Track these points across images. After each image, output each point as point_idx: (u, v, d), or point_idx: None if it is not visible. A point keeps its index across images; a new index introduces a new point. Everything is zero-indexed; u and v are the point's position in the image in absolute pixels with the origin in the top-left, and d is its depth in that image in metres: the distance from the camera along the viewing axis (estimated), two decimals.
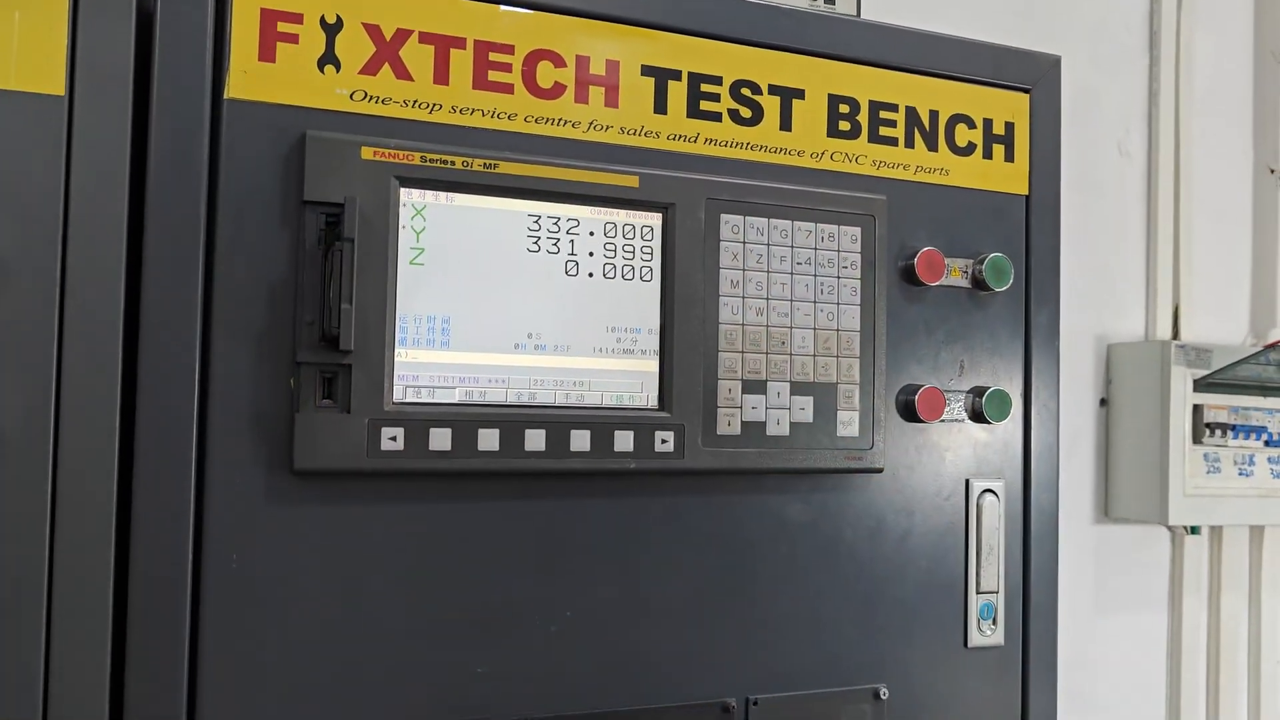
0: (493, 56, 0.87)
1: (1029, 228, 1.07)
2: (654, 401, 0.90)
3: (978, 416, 1.03)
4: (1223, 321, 1.76)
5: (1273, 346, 1.60)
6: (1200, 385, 1.60)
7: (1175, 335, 1.70)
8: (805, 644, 0.96)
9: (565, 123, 0.89)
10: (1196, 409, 1.61)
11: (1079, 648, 1.62)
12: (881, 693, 0.98)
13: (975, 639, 1.02)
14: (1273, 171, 1.82)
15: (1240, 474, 1.63)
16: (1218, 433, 1.61)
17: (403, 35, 0.84)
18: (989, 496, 1.04)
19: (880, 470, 0.98)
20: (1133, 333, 1.70)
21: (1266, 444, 1.66)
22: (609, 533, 0.89)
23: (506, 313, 0.85)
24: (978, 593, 1.03)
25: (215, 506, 0.78)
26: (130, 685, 0.75)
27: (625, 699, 0.89)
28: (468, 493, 0.84)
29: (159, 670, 0.75)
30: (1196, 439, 1.61)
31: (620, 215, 0.89)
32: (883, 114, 1.01)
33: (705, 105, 0.94)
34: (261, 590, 0.78)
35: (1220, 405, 1.62)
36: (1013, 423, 1.05)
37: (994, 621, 1.03)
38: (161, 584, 0.76)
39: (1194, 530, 1.69)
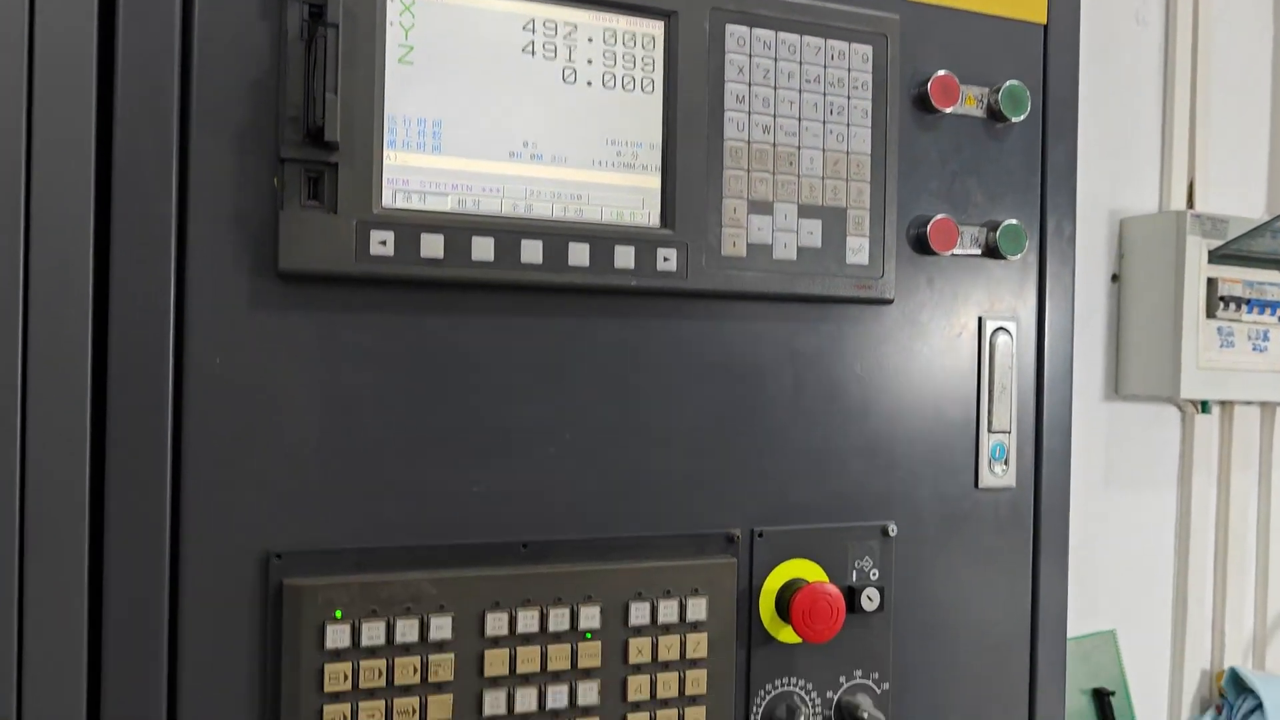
0: None
1: (1046, 58, 1.03)
2: (656, 219, 0.86)
3: (991, 252, 0.99)
4: (1239, 196, 1.72)
5: None
6: (1215, 257, 1.56)
7: (1190, 209, 1.66)
8: (812, 478, 0.93)
9: None
10: (1211, 282, 1.57)
11: (1088, 525, 1.60)
12: (890, 530, 0.95)
13: (986, 480, 1.00)
14: None
15: (1254, 349, 1.60)
16: (1231, 306, 1.58)
17: None
18: (1002, 335, 1.01)
19: (890, 301, 0.94)
20: (1146, 207, 1.66)
21: None
22: (610, 354, 0.86)
23: (500, 119, 0.81)
24: (989, 432, 1.00)
25: (197, 308, 0.74)
26: (111, 488, 0.72)
27: (627, 525, 0.86)
28: (462, 306, 0.81)
29: (140, 474, 0.73)
30: (1210, 313, 1.57)
31: (620, 22, 0.85)
32: None
33: None
34: (247, 396, 0.75)
35: (1234, 279, 1.58)
36: (1027, 260, 1.01)
37: (1006, 462, 1.01)
38: (142, 384, 0.73)
39: (1204, 408, 1.66)
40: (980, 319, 1.00)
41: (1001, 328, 1.00)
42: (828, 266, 0.91)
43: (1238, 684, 1.79)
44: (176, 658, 0.74)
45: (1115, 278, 1.64)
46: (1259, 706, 1.68)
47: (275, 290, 0.76)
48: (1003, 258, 0.99)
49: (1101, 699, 1.70)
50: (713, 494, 0.89)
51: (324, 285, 0.77)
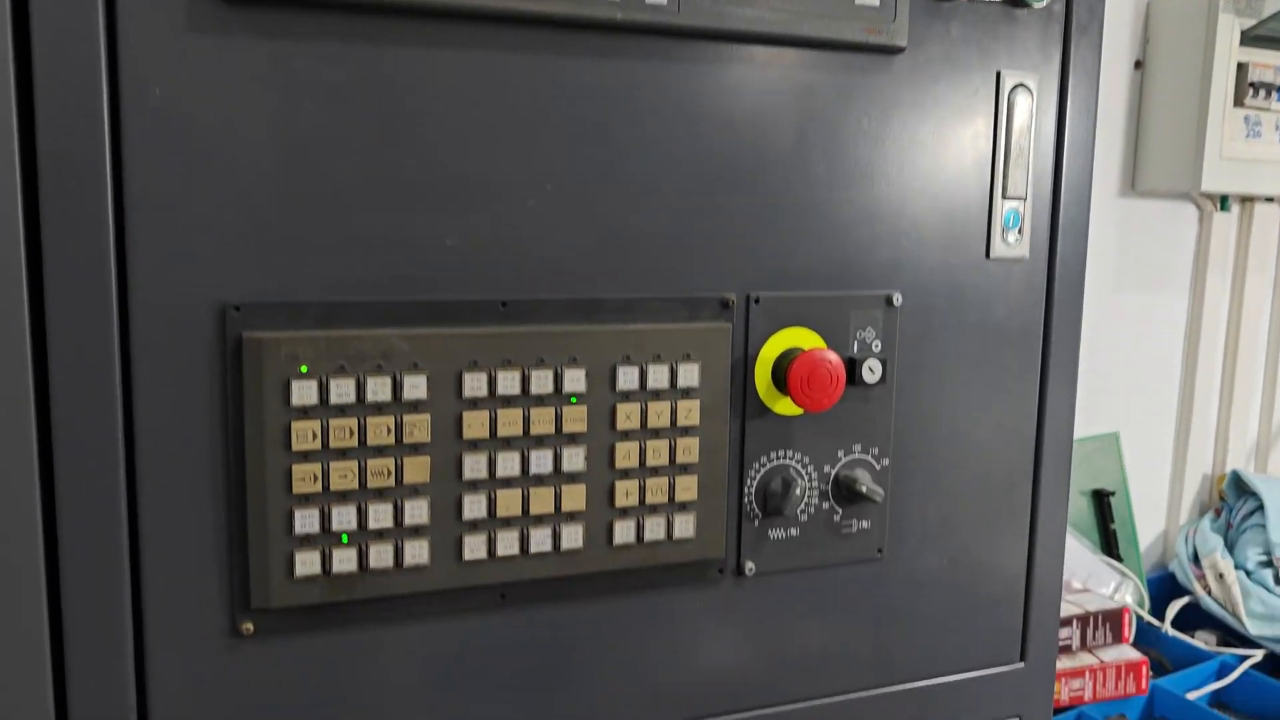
0: None
1: None
2: None
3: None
4: None
5: None
6: (1247, 39, 1.46)
7: None
8: (813, 242, 0.87)
9: None
10: (1241, 67, 1.48)
11: (1095, 325, 1.55)
12: (894, 299, 0.90)
13: (999, 249, 0.94)
14: None
15: None
16: (1261, 94, 1.48)
17: None
18: (1022, 92, 0.93)
19: (901, 50, 0.86)
20: None
21: None
22: (594, 99, 0.78)
23: None
24: (1004, 198, 0.93)
25: (129, 31, 0.66)
26: (47, 233, 0.66)
27: (613, 286, 0.81)
28: (428, 38, 0.73)
29: (79, 216, 0.66)
30: (1238, 100, 1.48)
31: None
32: None
33: None
34: (192, 132, 0.68)
35: (1266, 64, 1.49)
36: (1052, 10, 0.93)
37: (1020, 232, 0.94)
38: (75, 118, 0.65)
39: (1224, 205, 1.59)
40: (999, 74, 0.92)
41: (1022, 84, 0.92)
42: (834, 7, 0.82)
43: (1239, 486, 1.77)
44: (132, 418, 0.70)
45: (1138, 64, 1.54)
46: (1259, 509, 1.66)
47: (217, 11, 0.68)
48: (1026, 5, 0.91)
49: (1101, 500, 1.69)
50: (705, 255, 0.83)
51: (272, 7, 0.69)
